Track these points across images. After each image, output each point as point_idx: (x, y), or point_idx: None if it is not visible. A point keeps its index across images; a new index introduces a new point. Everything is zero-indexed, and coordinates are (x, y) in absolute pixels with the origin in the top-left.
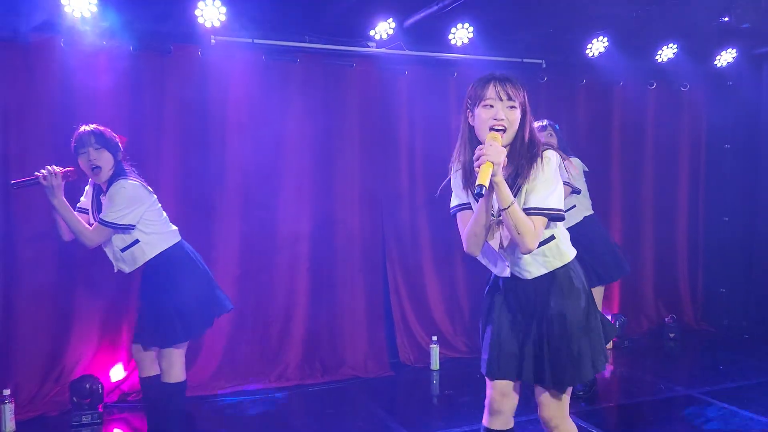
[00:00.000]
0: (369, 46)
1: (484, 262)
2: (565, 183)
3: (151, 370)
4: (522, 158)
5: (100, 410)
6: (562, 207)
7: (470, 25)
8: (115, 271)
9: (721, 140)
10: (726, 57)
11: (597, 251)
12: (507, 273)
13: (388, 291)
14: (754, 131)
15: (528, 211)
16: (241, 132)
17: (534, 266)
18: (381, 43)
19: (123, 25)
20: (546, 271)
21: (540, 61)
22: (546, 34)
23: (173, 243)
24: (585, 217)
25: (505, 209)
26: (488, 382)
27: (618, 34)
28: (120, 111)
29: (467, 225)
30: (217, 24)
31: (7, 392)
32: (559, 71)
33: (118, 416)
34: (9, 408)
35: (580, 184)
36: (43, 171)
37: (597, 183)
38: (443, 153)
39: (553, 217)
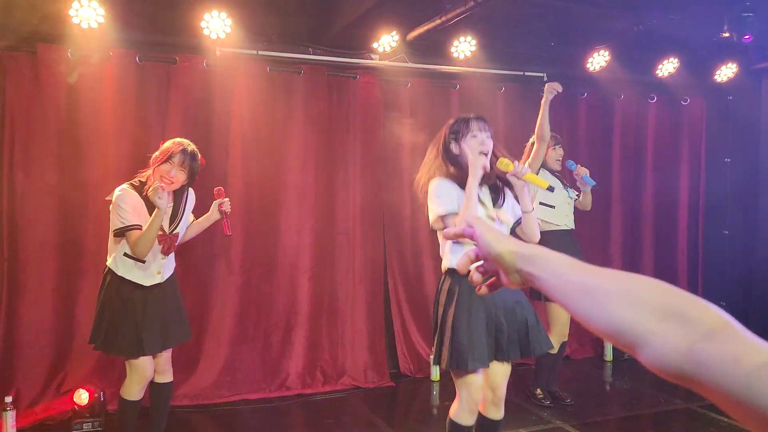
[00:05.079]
0: (372, 58)
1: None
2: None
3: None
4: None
5: (102, 418)
6: None
7: (472, 39)
8: (149, 285)
9: (721, 154)
10: (726, 72)
11: None
12: None
13: (389, 301)
14: (754, 145)
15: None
16: (245, 142)
17: None
18: (384, 56)
19: (129, 36)
20: None
21: (541, 74)
22: (547, 48)
23: None
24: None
25: (530, 211)
26: (476, 377)
27: (618, 48)
28: (125, 120)
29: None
30: (222, 36)
31: (8, 399)
32: (560, 84)
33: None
34: (10, 415)
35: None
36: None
37: (597, 195)
38: None
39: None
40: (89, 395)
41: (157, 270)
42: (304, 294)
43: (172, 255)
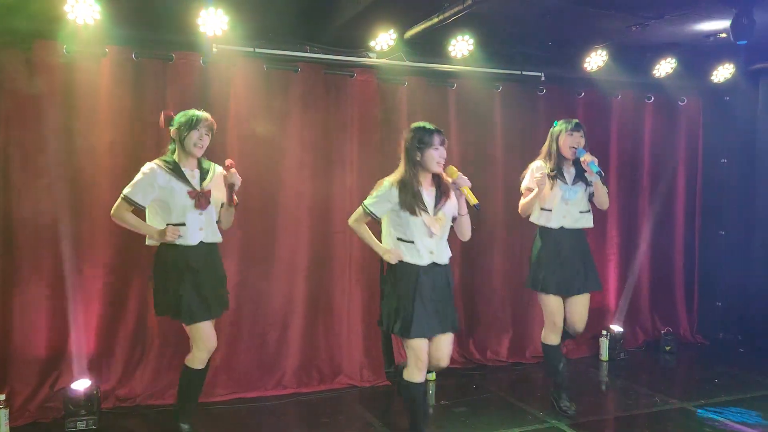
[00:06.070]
0: (369, 57)
1: (409, 255)
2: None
3: None
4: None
5: (96, 417)
6: None
7: (470, 38)
8: (196, 242)
9: (717, 154)
10: (723, 72)
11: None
12: (430, 260)
13: None
14: (751, 146)
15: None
16: (241, 140)
17: (445, 253)
18: (381, 54)
19: (125, 32)
20: (449, 256)
21: (539, 73)
22: (545, 48)
23: None
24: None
25: (464, 215)
26: (420, 343)
27: (616, 48)
28: (121, 117)
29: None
30: (218, 33)
31: (2, 397)
32: (557, 84)
33: (113, 423)
34: (4, 413)
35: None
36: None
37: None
38: None
39: None
40: (83, 394)
41: (198, 227)
42: (300, 293)
43: (215, 226)
